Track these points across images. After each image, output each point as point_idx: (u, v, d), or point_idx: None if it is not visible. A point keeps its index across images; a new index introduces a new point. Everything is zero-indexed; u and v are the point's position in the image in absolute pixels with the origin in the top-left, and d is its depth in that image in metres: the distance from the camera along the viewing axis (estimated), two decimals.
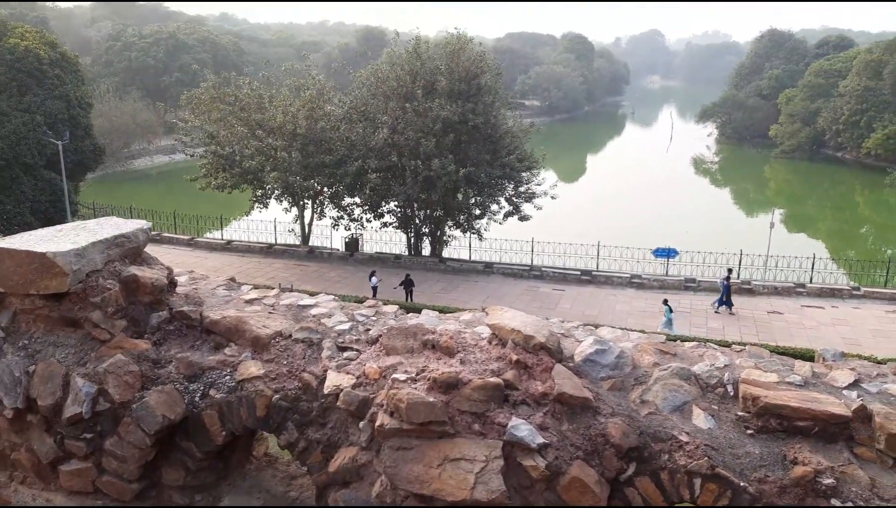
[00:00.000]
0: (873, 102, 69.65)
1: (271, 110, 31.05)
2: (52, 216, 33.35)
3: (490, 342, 5.37)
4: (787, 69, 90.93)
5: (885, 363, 5.32)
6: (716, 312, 25.27)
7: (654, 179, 66.25)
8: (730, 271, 27.22)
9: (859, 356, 14.12)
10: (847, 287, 27.66)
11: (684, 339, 8.62)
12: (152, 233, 7.89)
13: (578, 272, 29.75)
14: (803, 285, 27.78)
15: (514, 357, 5.07)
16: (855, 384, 4.71)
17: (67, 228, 5.63)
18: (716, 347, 5.83)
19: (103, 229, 5.64)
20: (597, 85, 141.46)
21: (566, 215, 41.86)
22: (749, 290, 27.38)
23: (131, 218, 7.65)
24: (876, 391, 4.64)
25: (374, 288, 26.11)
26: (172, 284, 5.90)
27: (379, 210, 32.57)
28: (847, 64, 76.98)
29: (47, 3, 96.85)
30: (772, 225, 32.46)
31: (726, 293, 25.29)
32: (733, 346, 5.93)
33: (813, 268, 29.47)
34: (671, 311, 23.23)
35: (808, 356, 8.23)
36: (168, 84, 76.83)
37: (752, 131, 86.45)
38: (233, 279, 6.91)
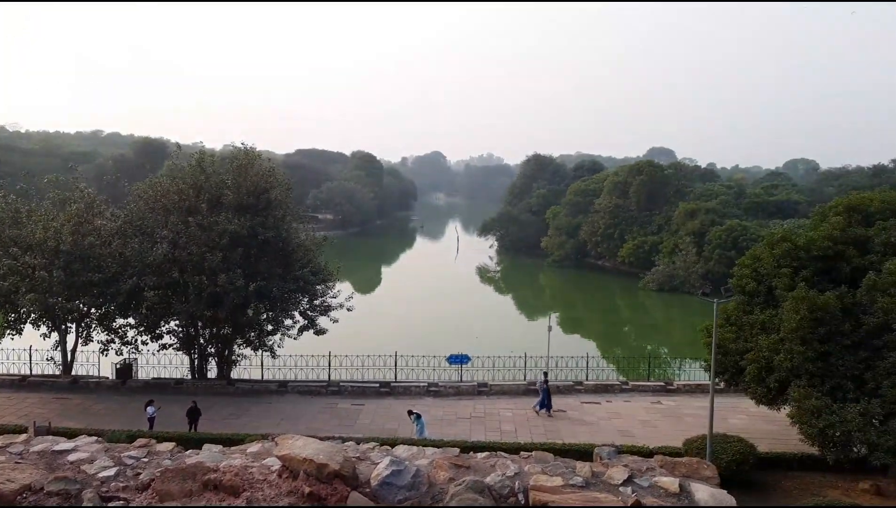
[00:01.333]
0: (623, 217, 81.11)
1: (30, 225, 27.92)
2: None
3: (280, 476, 4.99)
4: (552, 189, 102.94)
5: (653, 456, 5.81)
6: (537, 413, 26.37)
7: (444, 288, 69.46)
8: (545, 374, 28.65)
9: (632, 450, 15.40)
10: (617, 382, 30.57)
11: (478, 448, 8.81)
12: None
13: (377, 385, 29.57)
14: (581, 383, 30.16)
15: (307, 490, 4.75)
16: (629, 480, 5.06)
17: None
18: (506, 455, 5.99)
19: None
20: (387, 200, 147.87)
21: (363, 326, 41.92)
22: (535, 391, 29.12)
23: None
24: (647, 484, 5.02)
25: (151, 419, 23.63)
26: None
27: (157, 330, 30.04)
28: (599, 184, 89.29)
29: None
30: (550, 328, 35.23)
31: (546, 396, 26.54)
32: (521, 453, 6.14)
33: (587, 366, 32.24)
34: (419, 418, 23.57)
35: (589, 451, 8.78)
36: None
37: (527, 243, 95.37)
38: None
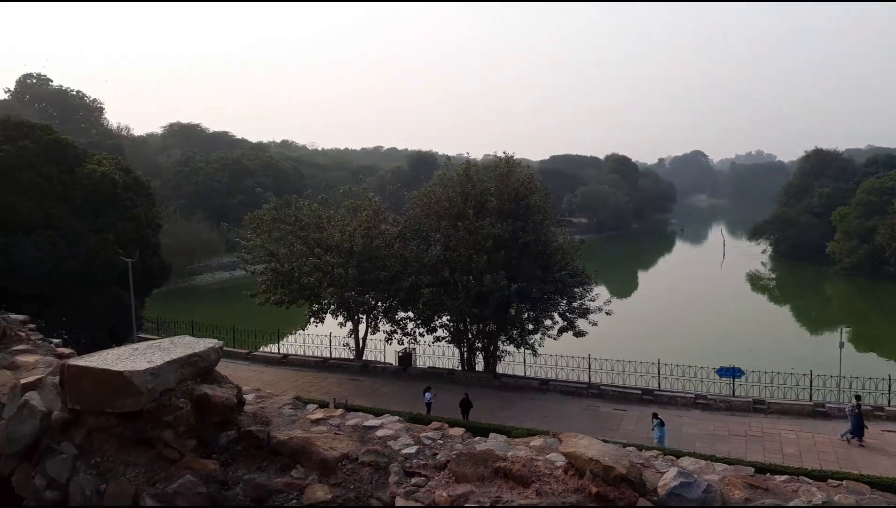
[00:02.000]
0: None
1: (329, 230, 32.14)
2: (119, 331, 34.40)
3: (566, 472, 5.08)
4: (838, 187, 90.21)
5: None
6: (847, 442, 23.51)
7: (709, 296, 64.87)
8: (858, 398, 25.41)
9: None
10: None
11: (774, 470, 8.07)
12: None
13: (640, 391, 28.69)
14: (882, 409, 26.06)
15: (594, 490, 4.76)
16: None
17: (143, 346, 5.73)
18: (810, 481, 5.38)
19: (177, 347, 5.71)
20: (643, 203, 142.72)
21: (622, 331, 40.98)
22: (824, 413, 25.82)
23: (191, 334, 7.79)
24: None
25: (429, 404, 25.65)
26: (241, 402, 5.87)
27: (432, 324, 32.64)
28: None
29: (123, 133, 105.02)
30: (841, 345, 31.02)
31: (857, 423, 23.55)
32: (829, 481, 5.47)
33: (889, 390, 27.74)
34: (663, 425, 22.11)
35: None
36: (231, 205, 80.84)
37: (808, 248, 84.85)
38: (298, 398, 6.84)
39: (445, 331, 33.28)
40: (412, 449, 6.04)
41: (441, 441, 6.28)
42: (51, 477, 5.28)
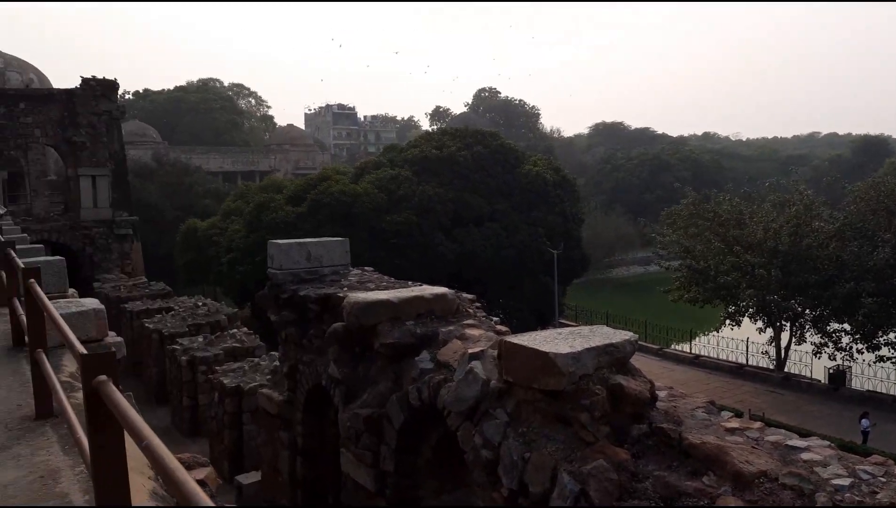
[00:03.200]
0: None
1: (751, 226, 29.95)
2: (544, 315, 38.07)
3: None
4: None
5: None
6: None
7: None
8: None
9: None
10: None
11: None
12: None
13: None
14: None
15: None
16: None
17: (565, 332, 6.22)
18: None
19: (595, 336, 6.06)
20: None
21: None
22: None
23: (606, 324, 8.12)
24: None
25: (865, 433, 22.07)
26: (653, 398, 5.94)
27: (874, 341, 27.75)
28: None
29: (554, 135, 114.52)
30: None
31: None
32: None
33: None
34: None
35: None
36: (649, 201, 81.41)
37: None
38: (712, 402, 6.61)
39: (893, 350, 27.91)
40: (845, 481, 5.31)
41: (883, 479, 5.37)
42: (486, 438, 6.18)
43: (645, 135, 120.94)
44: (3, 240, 8.17)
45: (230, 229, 38.58)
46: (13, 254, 6.82)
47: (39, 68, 59.40)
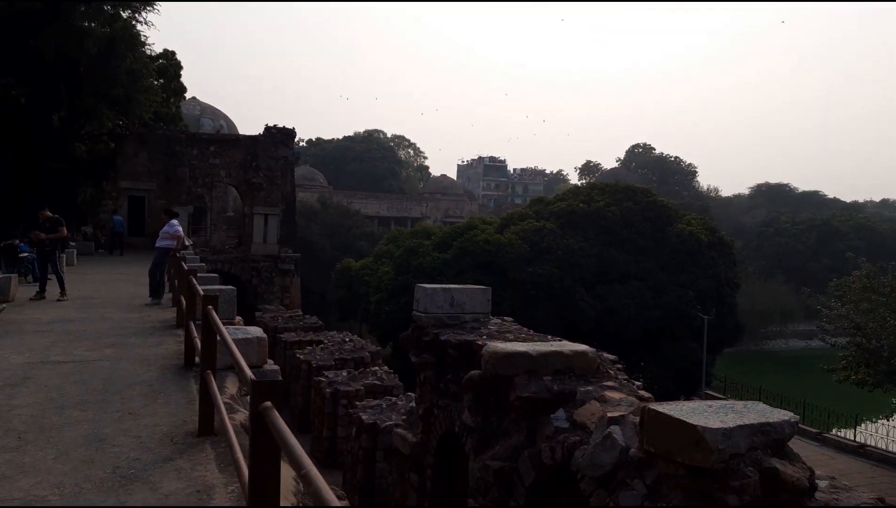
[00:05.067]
0: None
1: None
2: (689, 384, 35.92)
3: None
4: None
5: None
6: None
7: None
8: None
9: None
10: None
11: None
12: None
13: None
14: None
15: None
16: None
17: (716, 405, 5.87)
18: None
19: (749, 413, 5.67)
20: None
21: None
22: None
23: (759, 400, 7.54)
24: None
25: None
26: (812, 487, 5.43)
27: None
28: None
29: (710, 194, 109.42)
30: None
31: None
32: None
33: None
34: None
35: None
36: (815, 270, 75.09)
37: None
38: (881, 500, 5.92)
39: None
40: None
41: None
42: None
43: (813, 198, 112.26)
44: (186, 268, 9.11)
45: (381, 270, 40.38)
46: (195, 281, 7.59)
47: (229, 115, 66.40)
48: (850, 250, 76.09)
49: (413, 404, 11.86)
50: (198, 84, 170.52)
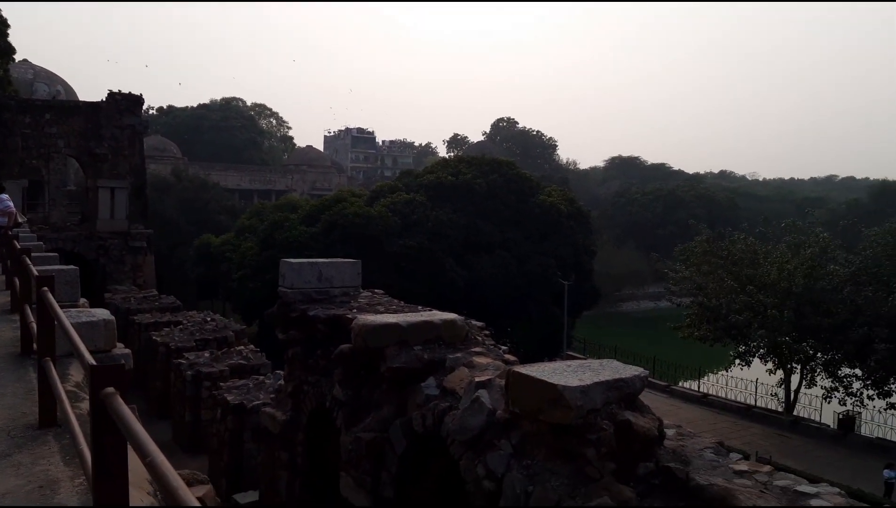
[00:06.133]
0: None
1: (765, 266, 29.72)
2: (552, 346, 37.77)
3: None
4: None
5: None
6: None
7: None
8: None
9: None
10: None
11: None
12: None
13: None
14: None
15: None
16: None
17: (574, 365, 6.16)
18: None
19: (605, 370, 6.00)
20: None
21: None
22: None
23: (614, 358, 8.07)
24: None
25: (889, 484, 21.60)
26: (661, 436, 5.86)
27: (885, 387, 27.31)
28: None
29: (569, 167, 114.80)
30: None
31: None
32: None
33: None
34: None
35: None
36: (662, 236, 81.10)
37: None
38: (721, 444, 6.50)
39: None
40: None
41: None
42: (489, 469, 6.09)
43: (661, 170, 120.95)
44: (19, 247, 8.24)
45: (243, 245, 38.80)
46: (28, 261, 6.88)
47: (67, 81, 60.36)
48: (693, 218, 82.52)
49: (281, 382, 11.57)
50: (30, 46, 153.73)
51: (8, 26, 35.35)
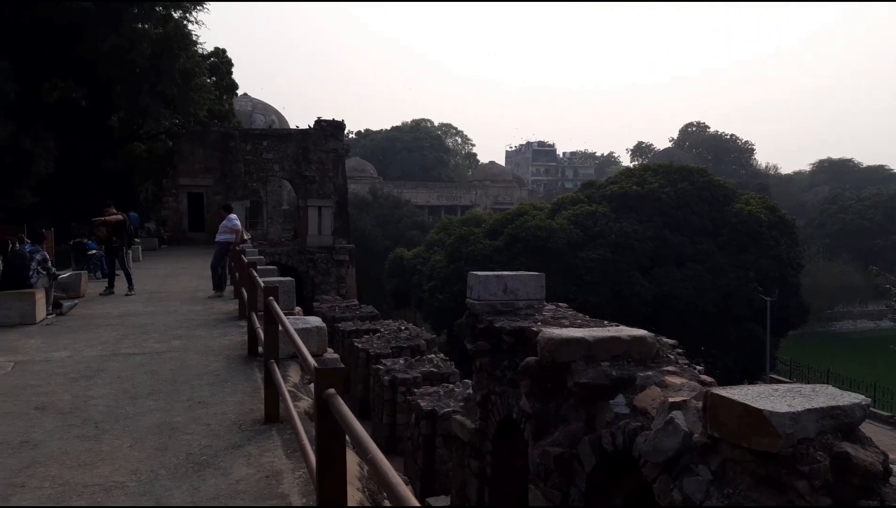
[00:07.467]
0: None
1: None
2: (751, 368, 34.97)
3: None
4: None
5: None
6: None
7: None
8: None
9: None
10: None
11: None
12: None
13: None
14: None
15: None
16: None
17: (782, 389, 5.71)
18: None
19: (818, 396, 5.50)
20: None
21: None
22: None
23: (826, 383, 7.29)
24: None
25: None
26: (886, 472, 5.23)
27: None
28: None
29: (769, 172, 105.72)
30: None
31: None
32: None
33: None
34: None
35: None
36: (882, 247, 71.98)
37: None
38: None
39: None
40: None
41: None
42: (686, 495, 5.80)
43: (879, 173, 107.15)
44: (246, 261, 9.35)
45: (432, 259, 40.58)
46: (255, 274, 7.78)
47: (279, 110, 67.44)
48: None
49: (470, 391, 11.92)
50: (248, 81, 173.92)
51: (232, 65, 40.29)
